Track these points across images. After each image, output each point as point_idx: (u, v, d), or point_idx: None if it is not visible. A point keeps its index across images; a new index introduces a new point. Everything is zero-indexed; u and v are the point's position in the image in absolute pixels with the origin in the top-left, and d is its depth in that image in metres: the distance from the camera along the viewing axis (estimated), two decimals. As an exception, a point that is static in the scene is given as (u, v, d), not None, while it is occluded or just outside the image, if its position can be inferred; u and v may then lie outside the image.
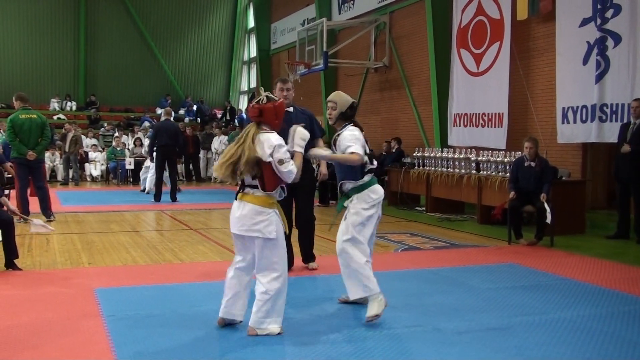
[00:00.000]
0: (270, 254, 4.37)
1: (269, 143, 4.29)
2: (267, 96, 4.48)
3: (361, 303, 5.03)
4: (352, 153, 4.78)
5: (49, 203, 10.25)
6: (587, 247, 8.25)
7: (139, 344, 4.18)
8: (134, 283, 5.99)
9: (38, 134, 9.92)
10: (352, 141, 4.83)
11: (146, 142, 20.19)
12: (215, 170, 4.56)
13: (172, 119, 14.54)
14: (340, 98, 5.05)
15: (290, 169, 4.31)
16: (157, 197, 13.39)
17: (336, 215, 5.27)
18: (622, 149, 8.63)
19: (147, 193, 14.83)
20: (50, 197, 10.41)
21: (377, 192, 4.96)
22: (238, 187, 4.53)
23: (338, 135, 4.98)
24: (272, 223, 4.35)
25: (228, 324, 4.58)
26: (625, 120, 9.33)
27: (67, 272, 6.51)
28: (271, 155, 4.28)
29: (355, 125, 5.02)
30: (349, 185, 4.96)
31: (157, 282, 6.08)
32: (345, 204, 4.99)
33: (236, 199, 4.48)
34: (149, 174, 14.92)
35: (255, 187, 4.38)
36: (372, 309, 4.66)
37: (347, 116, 5.02)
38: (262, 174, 4.33)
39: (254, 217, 4.34)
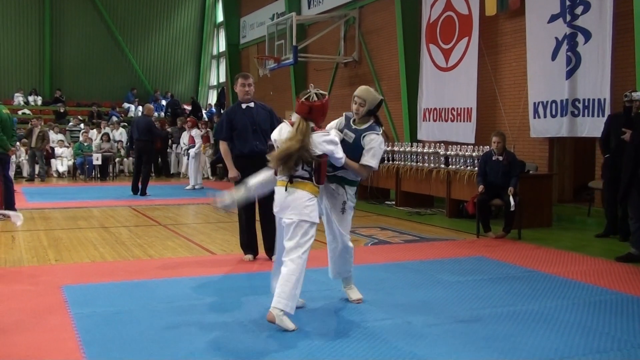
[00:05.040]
0: (304, 234, 4.47)
1: (331, 141, 4.52)
2: (316, 93, 4.54)
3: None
4: (365, 166, 4.90)
5: (14, 197, 10.13)
6: (553, 240, 8.38)
7: (108, 341, 4.13)
8: (102, 280, 5.92)
9: (12, 128, 10.01)
10: (377, 156, 4.91)
11: (115, 137, 20.33)
12: (272, 162, 4.54)
13: (152, 113, 15.34)
14: (371, 95, 4.96)
15: (341, 155, 4.62)
16: (134, 190, 13.84)
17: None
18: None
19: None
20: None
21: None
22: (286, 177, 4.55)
23: (368, 133, 4.92)
24: (316, 209, 4.53)
25: None
26: (599, 115, 9.44)
27: (33, 270, 6.41)
28: (333, 151, 4.54)
29: (379, 123, 5.04)
30: (345, 174, 5.00)
31: (126, 278, 6.02)
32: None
33: (285, 190, 4.52)
34: None
35: (306, 178, 4.50)
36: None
37: (373, 113, 5.01)
38: (320, 168, 4.51)
39: (304, 203, 4.46)
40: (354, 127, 5.00)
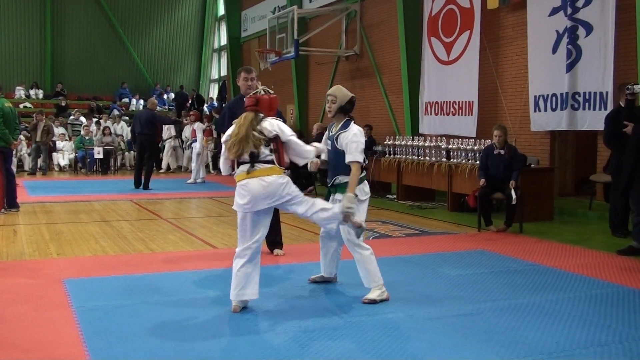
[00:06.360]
0: (313, 204, 4.66)
1: (285, 127, 4.72)
2: (263, 89, 4.79)
3: (329, 281, 5.48)
4: (353, 162, 4.91)
5: (15, 191, 10.14)
6: (555, 234, 8.37)
7: (110, 335, 4.14)
8: (104, 273, 5.93)
9: (15, 121, 9.98)
10: (357, 149, 4.91)
11: (116, 130, 20.34)
12: (229, 151, 4.67)
13: (156, 108, 15.25)
14: (341, 92, 5.11)
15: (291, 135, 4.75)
16: (136, 184, 13.85)
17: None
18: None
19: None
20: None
21: (367, 186, 5.25)
22: (241, 167, 4.63)
23: (341, 133, 5.00)
24: (291, 185, 4.65)
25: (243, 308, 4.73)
26: (600, 109, 9.41)
27: (35, 263, 6.42)
28: (289, 136, 4.68)
29: (354, 121, 5.12)
30: (343, 179, 5.02)
31: (127, 272, 6.02)
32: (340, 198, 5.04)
33: (247, 176, 4.56)
34: None
35: (268, 162, 4.58)
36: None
37: (346, 110, 5.09)
38: (279, 150, 4.64)
39: (280, 189, 4.56)
40: (330, 134, 5.14)
